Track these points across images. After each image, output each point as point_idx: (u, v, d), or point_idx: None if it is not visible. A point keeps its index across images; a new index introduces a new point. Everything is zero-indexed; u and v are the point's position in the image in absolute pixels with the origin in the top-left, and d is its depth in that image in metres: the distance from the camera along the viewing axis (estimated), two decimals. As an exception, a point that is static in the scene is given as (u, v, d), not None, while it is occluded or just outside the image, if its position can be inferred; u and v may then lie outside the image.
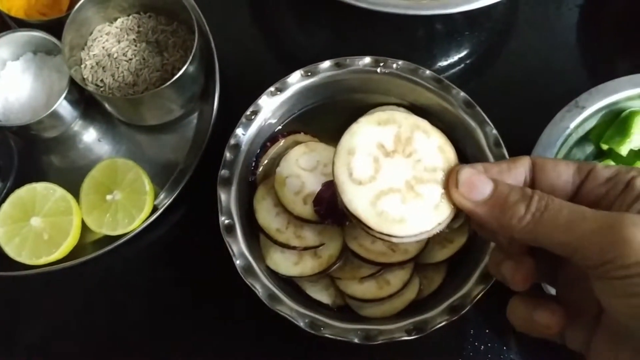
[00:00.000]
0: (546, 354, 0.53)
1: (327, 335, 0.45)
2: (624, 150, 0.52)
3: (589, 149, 0.55)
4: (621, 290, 0.28)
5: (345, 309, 0.50)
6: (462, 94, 0.50)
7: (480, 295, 0.46)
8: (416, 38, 0.67)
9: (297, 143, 0.52)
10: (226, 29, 0.64)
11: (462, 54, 0.65)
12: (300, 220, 0.49)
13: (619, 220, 0.28)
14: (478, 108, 0.50)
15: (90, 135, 0.60)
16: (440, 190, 0.33)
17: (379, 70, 0.51)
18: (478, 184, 0.33)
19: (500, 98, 0.61)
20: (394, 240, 0.33)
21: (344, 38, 0.66)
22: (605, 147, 0.53)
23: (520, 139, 0.50)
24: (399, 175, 0.33)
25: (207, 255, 0.55)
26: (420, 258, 0.49)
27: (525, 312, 0.34)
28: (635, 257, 0.27)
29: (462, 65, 0.65)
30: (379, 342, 0.45)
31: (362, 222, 0.33)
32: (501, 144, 0.49)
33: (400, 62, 0.51)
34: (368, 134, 0.34)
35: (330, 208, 0.49)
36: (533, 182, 0.34)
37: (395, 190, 0.33)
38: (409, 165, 0.33)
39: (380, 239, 0.33)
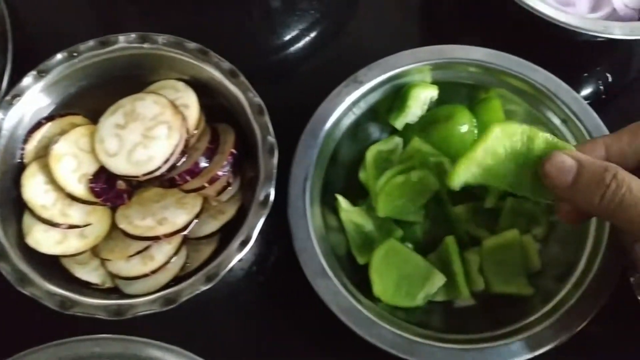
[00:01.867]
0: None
1: (77, 313, 0.44)
2: (399, 124, 0.51)
3: (380, 124, 0.54)
4: None
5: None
6: (227, 64, 0.49)
7: (234, 262, 0.44)
8: (252, 17, 0.66)
9: (74, 125, 0.51)
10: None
11: (300, 32, 0.65)
12: (71, 199, 0.48)
13: None
14: (242, 78, 0.49)
15: None
16: (165, 126, 0.47)
17: (145, 45, 0.50)
18: (562, 171, 0.36)
19: (330, 77, 0.60)
20: (156, 173, 0.47)
21: (169, 18, 0.66)
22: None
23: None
24: (136, 133, 0.48)
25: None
26: (191, 232, 0.48)
27: None
28: None
29: (301, 43, 0.65)
30: (130, 316, 0.44)
31: (129, 176, 0.47)
32: (264, 111, 0.48)
33: (165, 37, 0.50)
34: (106, 124, 0.49)
35: (107, 187, 0.49)
36: None
37: (137, 144, 0.47)
38: (140, 124, 0.48)
39: (146, 180, 0.48)
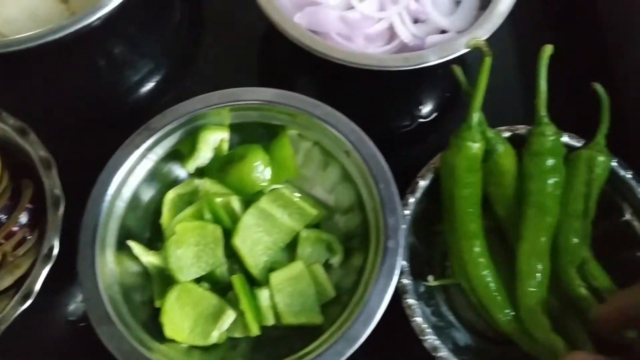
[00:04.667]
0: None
1: None
2: (190, 167, 0.53)
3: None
4: None
5: None
6: (19, 122, 0.51)
7: (14, 316, 0.46)
8: (77, 73, 0.69)
9: None
10: None
11: (128, 87, 0.68)
12: None
13: None
14: (33, 135, 0.51)
15: None
16: None
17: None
18: None
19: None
20: None
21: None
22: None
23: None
24: None
25: None
26: (-14, 287, 0.50)
27: None
28: None
29: (127, 99, 0.68)
30: None
31: None
32: (51, 165, 0.50)
33: None
34: None
35: None
36: None
37: None
38: None
39: None
